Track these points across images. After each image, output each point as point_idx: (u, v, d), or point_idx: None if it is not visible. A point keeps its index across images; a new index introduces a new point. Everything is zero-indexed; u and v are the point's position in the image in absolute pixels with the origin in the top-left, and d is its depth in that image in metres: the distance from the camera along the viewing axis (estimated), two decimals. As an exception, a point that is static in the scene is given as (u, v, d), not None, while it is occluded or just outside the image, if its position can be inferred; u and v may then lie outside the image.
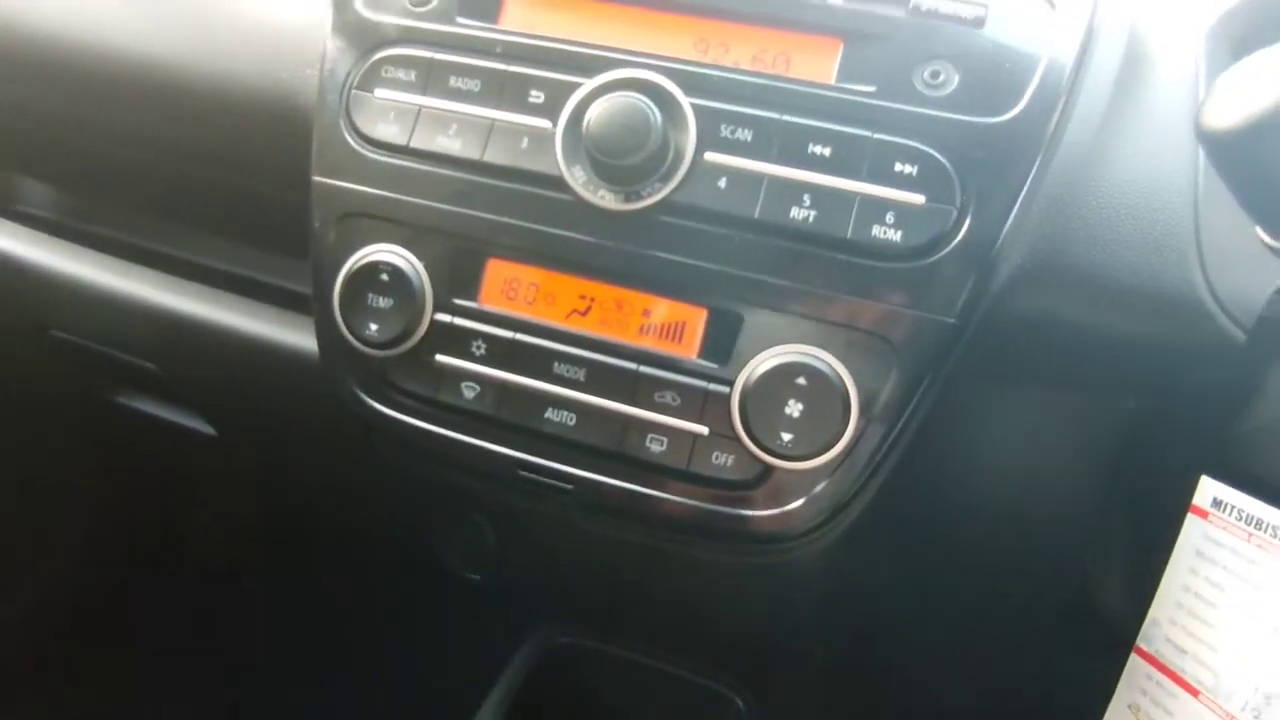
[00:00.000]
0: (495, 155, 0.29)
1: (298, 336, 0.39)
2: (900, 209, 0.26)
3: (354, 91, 0.31)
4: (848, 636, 0.47)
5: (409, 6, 0.31)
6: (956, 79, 0.27)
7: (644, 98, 0.27)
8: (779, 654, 0.51)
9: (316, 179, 0.31)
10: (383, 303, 0.30)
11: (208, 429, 0.50)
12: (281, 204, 0.36)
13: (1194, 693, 0.26)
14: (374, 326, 0.30)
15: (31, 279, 0.45)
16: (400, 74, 0.31)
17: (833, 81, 0.28)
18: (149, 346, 0.45)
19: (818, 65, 0.28)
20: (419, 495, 0.42)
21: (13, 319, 0.48)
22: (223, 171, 0.41)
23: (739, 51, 0.29)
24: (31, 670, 0.68)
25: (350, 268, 0.31)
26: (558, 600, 0.52)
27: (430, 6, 0.31)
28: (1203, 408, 0.29)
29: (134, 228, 0.49)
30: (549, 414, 0.29)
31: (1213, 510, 0.27)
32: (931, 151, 0.27)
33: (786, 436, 0.27)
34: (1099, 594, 0.35)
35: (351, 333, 0.31)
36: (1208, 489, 0.28)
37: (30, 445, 0.62)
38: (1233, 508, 0.27)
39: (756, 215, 0.27)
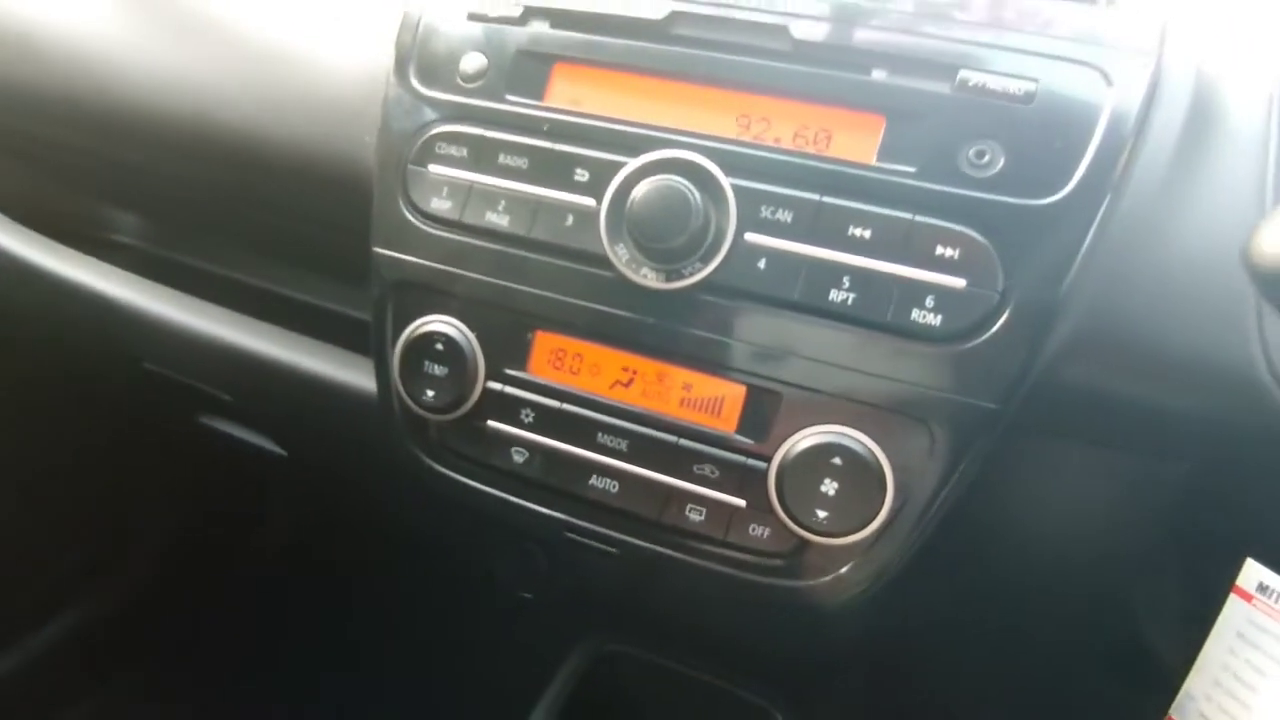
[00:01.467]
0: (542, 232, 0.31)
1: (359, 376, 0.41)
2: (940, 293, 0.27)
3: (410, 167, 0.33)
4: (886, 666, 0.48)
5: (460, 83, 0.33)
6: (1003, 159, 0.27)
7: (685, 181, 0.28)
8: (818, 673, 0.53)
9: (376, 249, 0.33)
10: (438, 370, 0.32)
11: (279, 450, 0.54)
12: (344, 245, 0.39)
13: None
14: (430, 393, 0.32)
15: (125, 317, 0.49)
16: (453, 150, 0.32)
17: (874, 161, 0.28)
18: (224, 380, 0.49)
19: (859, 144, 0.28)
20: (473, 524, 0.44)
21: (111, 351, 0.53)
22: (293, 222, 0.43)
23: (780, 128, 0.29)
24: (128, 655, 0.76)
25: (408, 337, 0.33)
26: (606, 614, 0.54)
27: (480, 83, 0.33)
28: (1255, 486, 0.28)
29: (212, 256, 0.54)
30: (593, 481, 0.31)
31: (1257, 594, 0.27)
32: (974, 234, 0.26)
33: (821, 514, 0.28)
34: (1145, 645, 0.35)
35: (409, 397, 0.33)
36: (1253, 573, 0.27)
37: (125, 456, 0.68)
38: (1277, 594, 0.27)
39: (796, 297, 0.28)
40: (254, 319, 0.47)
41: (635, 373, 0.30)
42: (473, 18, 0.34)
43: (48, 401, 0.65)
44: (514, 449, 0.32)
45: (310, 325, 0.47)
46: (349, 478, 0.53)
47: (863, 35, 0.29)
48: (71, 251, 0.52)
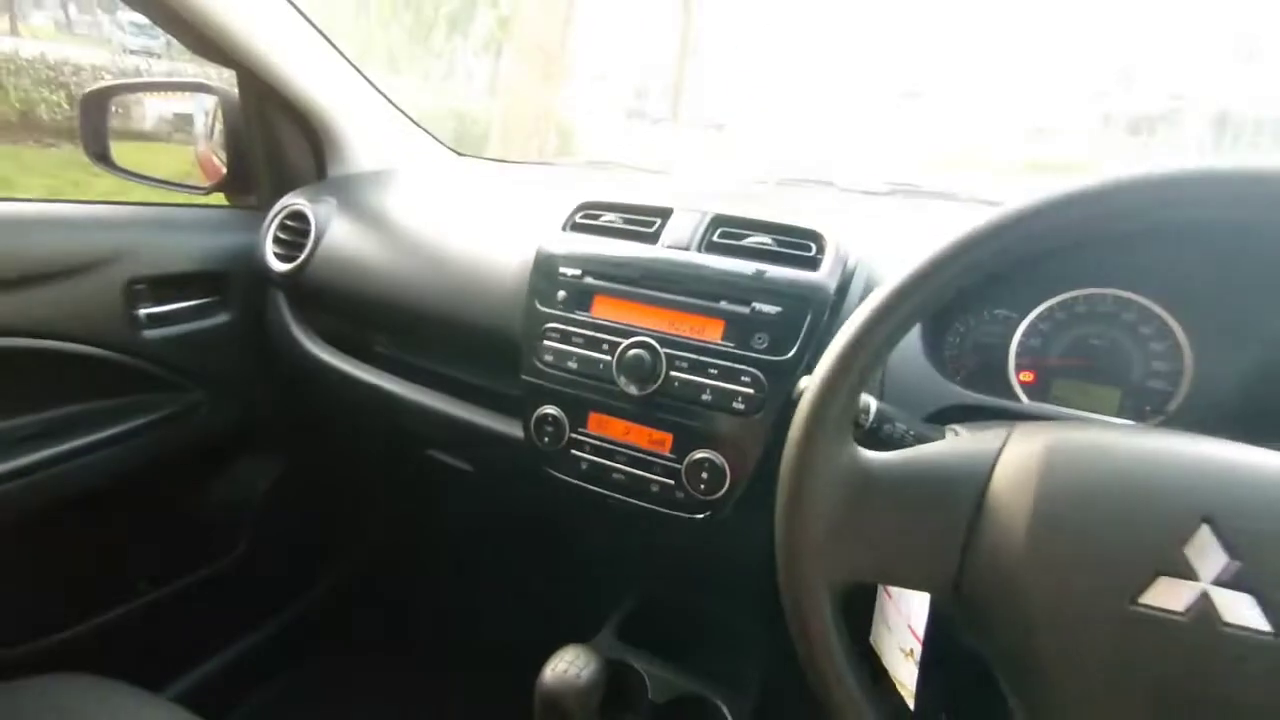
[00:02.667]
0: (588, 370, 0.70)
1: (512, 428, 0.83)
2: (744, 395, 0.64)
3: (535, 341, 0.74)
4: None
5: (555, 302, 0.73)
6: (768, 340, 0.64)
7: (645, 351, 0.67)
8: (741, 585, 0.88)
9: (523, 377, 0.75)
10: (549, 428, 0.73)
11: (469, 468, 0.97)
12: (504, 361, 0.80)
13: None
14: (547, 439, 0.73)
15: (387, 396, 0.93)
16: (553, 333, 0.73)
17: (719, 340, 0.64)
18: (438, 430, 0.92)
19: (714, 333, 0.65)
20: (576, 508, 0.85)
21: (383, 414, 0.95)
22: (475, 350, 0.87)
23: (682, 326, 0.66)
24: (345, 636, 1.21)
25: (536, 415, 0.74)
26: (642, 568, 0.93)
27: (560, 300, 0.74)
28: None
29: (424, 360, 0.98)
30: (614, 475, 0.70)
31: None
32: (756, 372, 0.64)
33: (702, 486, 0.66)
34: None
35: (539, 441, 0.74)
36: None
37: (382, 470, 1.15)
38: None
39: (691, 396, 0.66)
40: (454, 396, 0.91)
41: (630, 429, 0.70)
42: (559, 275, 0.74)
43: (350, 443, 1.14)
44: (583, 463, 0.72)
45: (484, 399, 0.90)
46: (505, 482, 0.96)
47: (714, 287, 0.68)
48: (363, 363, 0.98)
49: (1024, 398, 0.67)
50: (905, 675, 0.56)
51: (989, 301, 0.70)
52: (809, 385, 0.43)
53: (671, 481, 0.66)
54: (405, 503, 1.22)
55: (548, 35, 5.14)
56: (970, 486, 0.40)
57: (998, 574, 0.38)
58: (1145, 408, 0.63)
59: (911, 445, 0.48)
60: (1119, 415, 0.64)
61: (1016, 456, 0.40)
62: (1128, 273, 0.65)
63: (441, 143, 1.28)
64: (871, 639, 0.61)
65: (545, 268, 0.74)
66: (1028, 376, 0.68)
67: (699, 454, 0.65)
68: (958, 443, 0.43)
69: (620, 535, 0.75)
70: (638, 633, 0.89)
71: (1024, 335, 0.68)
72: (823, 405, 0.42)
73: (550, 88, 5.40)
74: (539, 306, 0.73)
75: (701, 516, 0.65)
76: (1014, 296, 0.69)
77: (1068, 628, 0.35)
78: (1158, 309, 0.63)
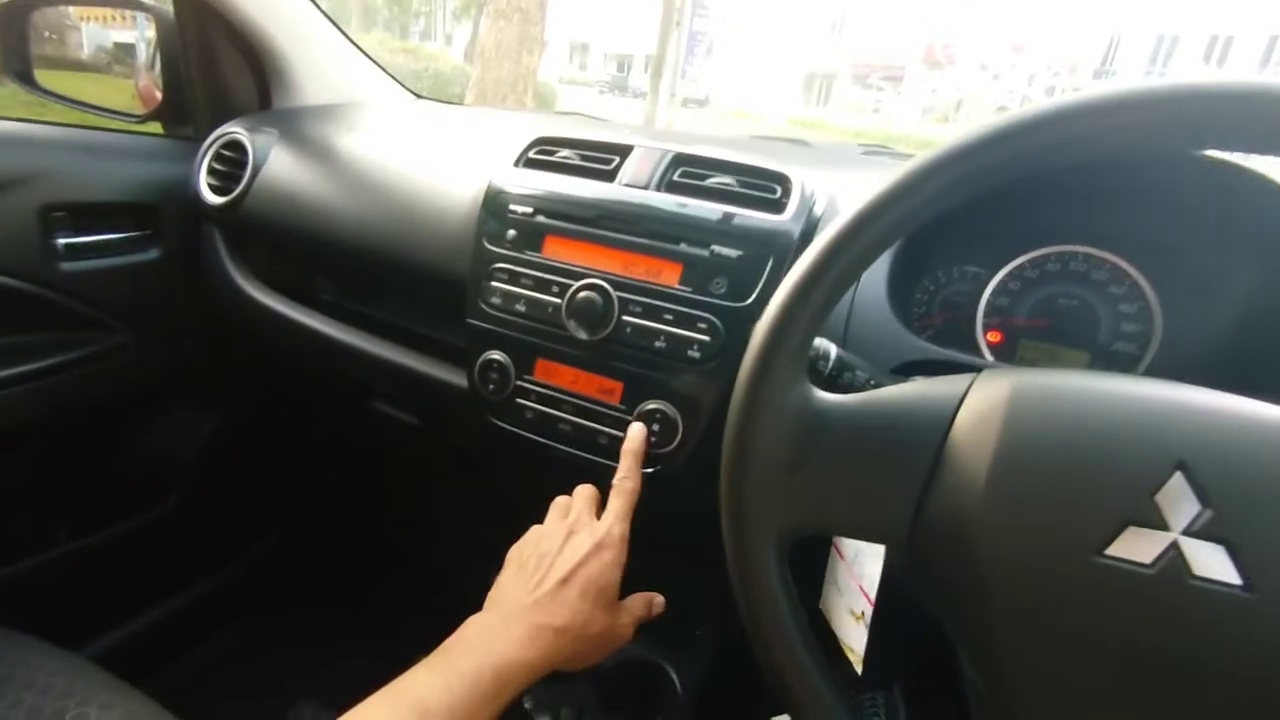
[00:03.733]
0: (536, 314, 0.66)
1: (456, 377, 0.79)
2: (699, 343, 0.60)
3: (482, 282, 0.69)
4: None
5: (504, 241, 0.68)
6: (726, 285, 0.61)
7: (597, 294, 0.63)
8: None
9: (468, 320, 0.70)
10: (494, 375, 0.69)
11: (414, 420, 0.92)
12: (447, 306, 0.76)
13: None
14: (491, 386, 0.69)
15: (329, 342, 0.88)
16: (501, 274, 0.68)
17: (676, 285, 0.61)
18: (381, 379, 0.88)
19: (671, 276, 0.61)
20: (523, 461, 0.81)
21: (325, 362, 0.92)
22: (420, 293, 0.81)
23: (637, 269, 0.62)
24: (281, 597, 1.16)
25: (480, 361, 0.69)
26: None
27: (510, 239, 0.69)
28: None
29: (375, 307, 0.92)
30: (560, 425, 0.65)
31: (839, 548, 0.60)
32: (713, 318, 0.60)
33: (653, 439, 0.62)
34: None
35: (483, 389, 0.70)
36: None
37: (315, 426, 1.09)
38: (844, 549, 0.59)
39: (644, 343, 0.62)
40: (399, 344, 0.86)
41: (578, 376, 0.65)
42: (509, 213, 0.69)
43: (289, 393, 1.08)
44: (528, 412, 0.68)
45: (430, 347, 0.85)
46: (451, 433, 0.91)
47: (673, 228, 0.63)
48: (304, 307, 0.92)
49: (990, 357, 0.64)
50: (854, 640, 0.53)
51: (959, 258, 0.67)
52: (761, 320, 0.39)
53: (620, 433, 0.63)
54: (347, 458, 1.16)
55: (527, -4, 4.99)
56: (930, 431, 0.37)
57: (953, 524, 0.35)
58: (1114, 370, 0.61)
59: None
60: None
61: (981, 400, 0.37)
62: (1100, 230, 0.62)
63: (400, 83, 1.20)
64: (821, 603, 0.59)
65: (495, 205, 0.69)
66: (995, 336, 0.65)
67: (650, 405, 0.61)
68: (919, 386, 0.40)
69: (566, 490, 0.72)
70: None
71: (993, 294, 0.65)
72: (775, 339, 0.38)
73: (528, 51, 5.26)
74: (487, 245, 0.68)
75: (650, 471, 0.62)
76: (984, 253, 0.66)
77: (1026, 582, 0.33)
78: (1129, 268, 0.61)
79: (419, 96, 1.23)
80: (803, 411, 0.39)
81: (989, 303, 0.65)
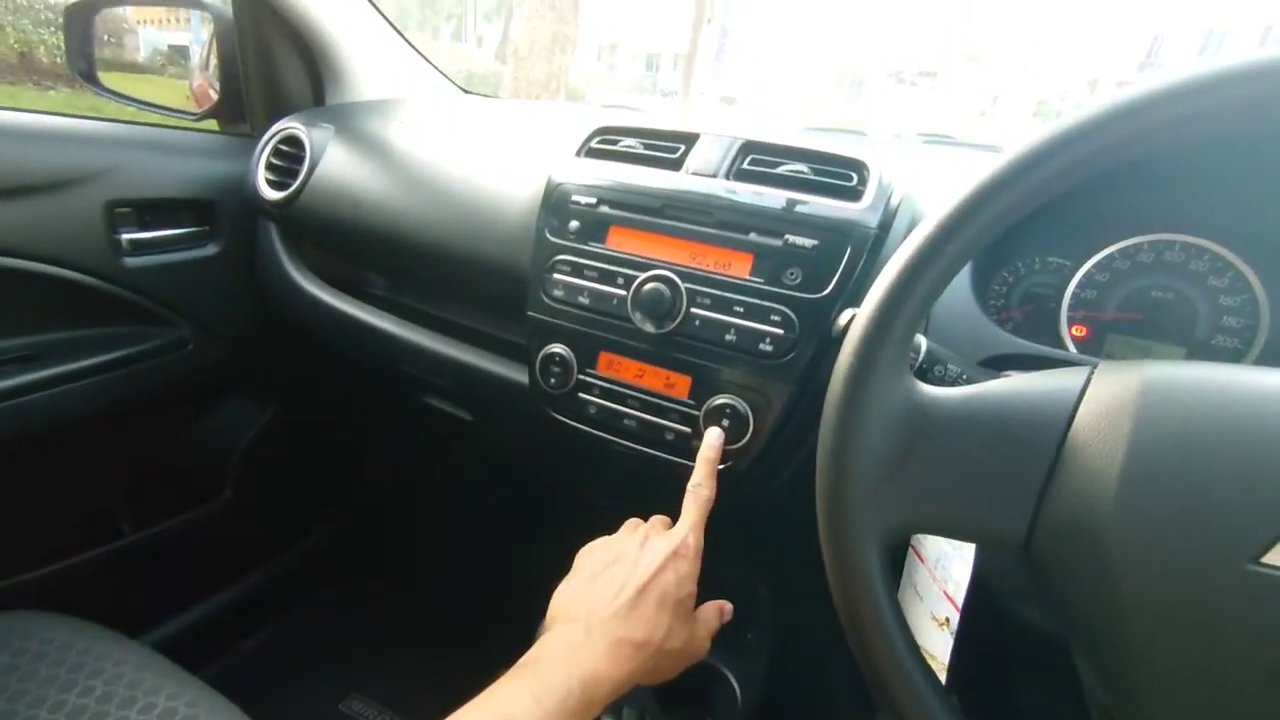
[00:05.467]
0: (600, 306, 0.64)
1: (515, 373, 0.78)
2: (772, 336, 0.58)
3: (544, 275, 0.68)
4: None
5: (566, 233, 0.67)
6: (801, 276, 0.58)
7: (664, 285, 0.61)
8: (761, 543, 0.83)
9: (529, 313, 0.69)
10: (555, 369, 0.68)
11: (467, 416, 0.92)
12: (507, 302, 0.75)
13: None
14: (553, 380, 0.68)
15: (384, 337, 0.88)
16: (564, 266, 0.67)
17: (747, 276, 0.59)
18: (441, 374, 0.87)
19: (741, 267, 0.59)
20: (580, 458, 0.79)
21: (379, 358, 0.91)
22: (478, 288, 0.81)
23: (706, 260, 0.59)
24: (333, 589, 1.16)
25: (541, 355, 0.68)
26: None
27: (573, 230, 0.67)
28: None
29: (431, 303, 0.92)
30: (625, 421, 0.64)
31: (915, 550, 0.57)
32: (787, 310, 0.58)
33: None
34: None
35: (544, 383, 0.69)
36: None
37: (368, 421, 1.10)
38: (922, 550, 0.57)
39: (713, 336, 0.60)
40: (456, 339, 0.85)
41: (644, 370, 0.63)
42: (572, 204, 0.67)
43: (342, 387, 1.08)
44: (590, 406, 0.66)
45: (487, 343, 0.84)
46: (506, 430, 0.91)
47: (744, 217, 0.61)
48: (359, 302, 0.92)
49: (1074, 352, 0.61)
50: (938, 647, 0.51)
51: (1040, 248, 0.64)
52: (862, 311, 0.37)
53: (688, 429, 0.61)
54: (400, 452, 1.17)
55: (561, -5, 5.00)
56: (1050, 427, 0.34)
57: (1080, 528, 0.32)
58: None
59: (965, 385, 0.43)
60: None
61: (1106, 394, 0.34)
62: (1198, 217, 0.59)
63: (449, 78, 1.20)
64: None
65: (557, 196, 0.67)
66: (1080, 331, 0.62)
67: (719, 400, 0.59)
68: (1030, 379, 0.37)
69: (627, 488, 0.70)
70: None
71: (1079, 285, 0.62)
72: (879, 332, 0.36)
73: (561, 50, 5.27)
74: (549, 237, 0.66)
75: (720, 468, 0.60)
76: (1069, 242, 0.63)
77: (1168, 592, 0.30)
78: (1233, 258, 0.57)
79: (467, 92, 1.23)
80: (908, 407, 0.37)
81: (1074, 295, 0.62)
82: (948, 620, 0.50)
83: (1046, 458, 0.34)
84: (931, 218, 0.36)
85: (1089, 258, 0.61)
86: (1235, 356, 0.57)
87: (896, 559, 0.58)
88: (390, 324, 0.85)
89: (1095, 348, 0.62)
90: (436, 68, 1.19)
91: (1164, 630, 0.30)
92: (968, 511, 0.36)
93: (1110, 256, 0.61)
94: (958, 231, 0.35)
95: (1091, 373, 0.36)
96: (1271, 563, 0.28)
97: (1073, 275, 0.62)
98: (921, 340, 0.48)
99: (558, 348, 0.66)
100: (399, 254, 0.83)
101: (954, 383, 0.48)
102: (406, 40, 1.13)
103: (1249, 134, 0.50)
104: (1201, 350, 0.58)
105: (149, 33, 1.58)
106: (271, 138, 0.93)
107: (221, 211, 0.94)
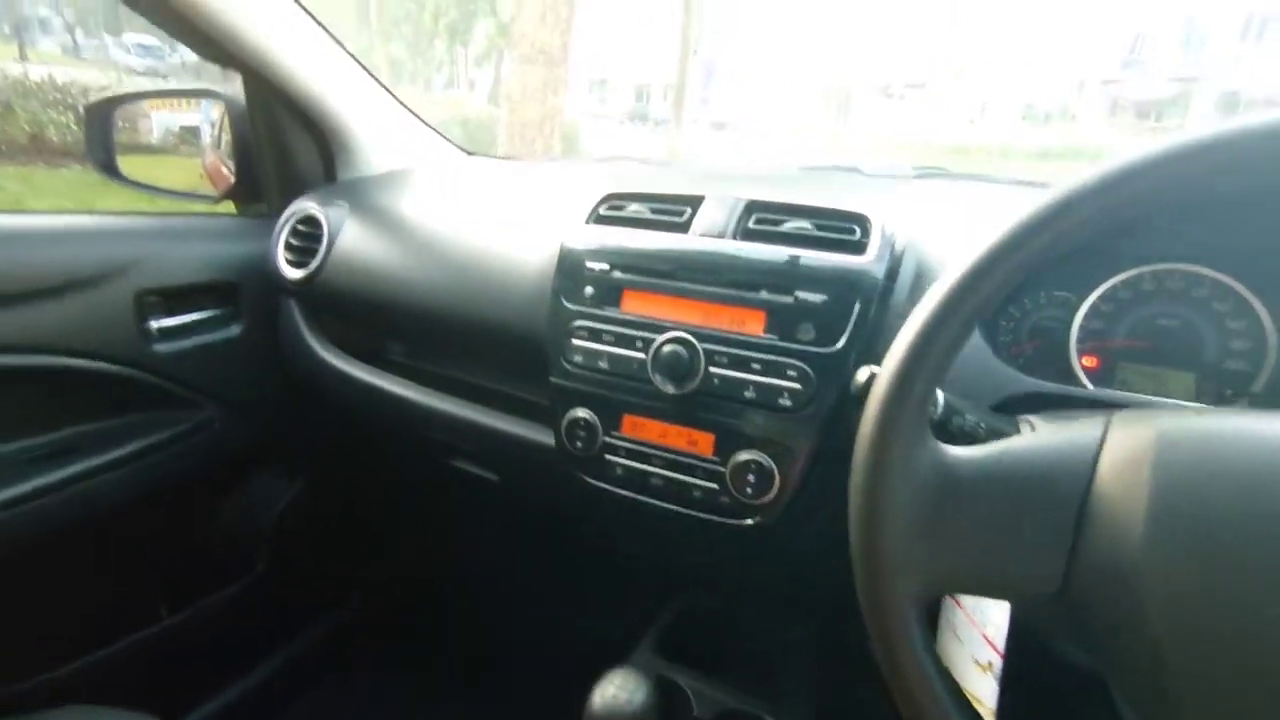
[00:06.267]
0: (621, 370, 0.65)
1: (540, 434, 0.79)
2: (790, 391, 0.60)
3: (564, 340, 0.69)
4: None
5: (582, 299, 0.69)
6: (813, 331, 0.60)
7: (682, 347, 0.63)
8: (805, 598, 0.84)
9: (552, 379, 0.70)
10: (581, 433, 0.69)
11: (495, 477, 0.93)
12: (527, 365, 0.76)
13: None
14: (579, 444, 0.69)
15: (408, 405, 0.89)
16: (582, 331, 0.68)
17: (762, 333, 0.60)
18: (463, 439, 0.88)
19: (755, 325, 0.60)
20: (610, 516, 0.80)
21: (404, 425, 0.91)
22: (496, 354, 0.83)
23: (720, 319, 0.61)
24: (371, 658, 1.16)
25: (567, 419, 0.70)
26: (682, 577, 0.88)
27: (588, 296, 0.69)
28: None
29: (444, 367, 0.94)
30: (652, 480, 0.65)
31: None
32: (803, 364, 0.59)
33: (749, 490, 0.62)
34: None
35: (570, 446, 0.70)
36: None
37: (396, 489, 1.11)
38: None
39: (733, 394, 0.62)
40: (480, 404, 0.87)
41: (667, 430, 0.65)
42: (585, 270, 0.69)
43: (368, 457, 1.10)
44: (617, 468, 0.67)
45: (509, 405, 0.86)
46: (534, 490, 0.92)
47: (754, 276, 0.63)
48: (383, 372, 0.94)
49: (1088, 384, 0.62)
50: (983, 691, 0.51)
51: (1045, 283, 0.65)
52: (882, 375, 0.38)
53: (715, 486, 0.62)
54: (429, 517, 1.18)
55: (549, 39, 5.12)
56: (1073, 481, 0.36)
57: (1112, 581, 0.33)
58: (1225, 391, 0.59)
59: (985, 439, 0.44)
60: (1195, 400, 0.59)
61: (1123, 447, 0.35)
62: (1196, 246, 0.60)
63: (452, 142, 1.24)
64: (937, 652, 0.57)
65: (570, 263, 0.70)
66: (1090, 361, 0.63)
67: (744, 455, 0.61)
68: (1050, 434, 0.39)
69: (657, 544, 0.71)
70: (678, 646, 0.84)
71: (1085, 317, 0.63)
72: (899, 396, 0.37)
73: (554, 91, 5.38)
74: (566, 304, 0.69)
75: (750, 522, 0.61)
76: (1072, 276, 0.64)
77: (1202, 642, 0.31)
78: (1233, 283, 0.59)
79: (470, 154, 1.26)
80: (934, 472, 0.38)
81: (1082, 327, 0.63)
82: (990, 664, 0.51)
83: (1073, 511, 0.35)
84: (946, 279, 0.38)
85: (1092, 290, 0.63)
86: (1245, 380, 0.58)
87: (933, 606, 0.58)
88: (413, 391, 0.87)
89: (1108, 378, 0.63)
90: (438, 132, 1.23)
91: (1203, 678, 0.31)
92: (1001, 570, 0.37)
93: (1114, 288, 0.62)
94: (972, 292, 0.37)
95: (1108, 424, 0.37)
96: None
97: (1078, 307, 0.63)
98: (938, 393, 0.49)
99: (582, 412, 0.67)
100: (418, 323, 0.85)
101: (973, 433, 0.49)
102: (410, 110, 1.17)
103: None
104: (1211, 375, 0.59)
105: (161, 116, 1.64)
106: (289, 219, 0.96)
107: (244, 292, 0.97)
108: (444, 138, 1.23)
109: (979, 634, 0.52)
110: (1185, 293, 0.61)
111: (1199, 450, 0.33)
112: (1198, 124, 0.34)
